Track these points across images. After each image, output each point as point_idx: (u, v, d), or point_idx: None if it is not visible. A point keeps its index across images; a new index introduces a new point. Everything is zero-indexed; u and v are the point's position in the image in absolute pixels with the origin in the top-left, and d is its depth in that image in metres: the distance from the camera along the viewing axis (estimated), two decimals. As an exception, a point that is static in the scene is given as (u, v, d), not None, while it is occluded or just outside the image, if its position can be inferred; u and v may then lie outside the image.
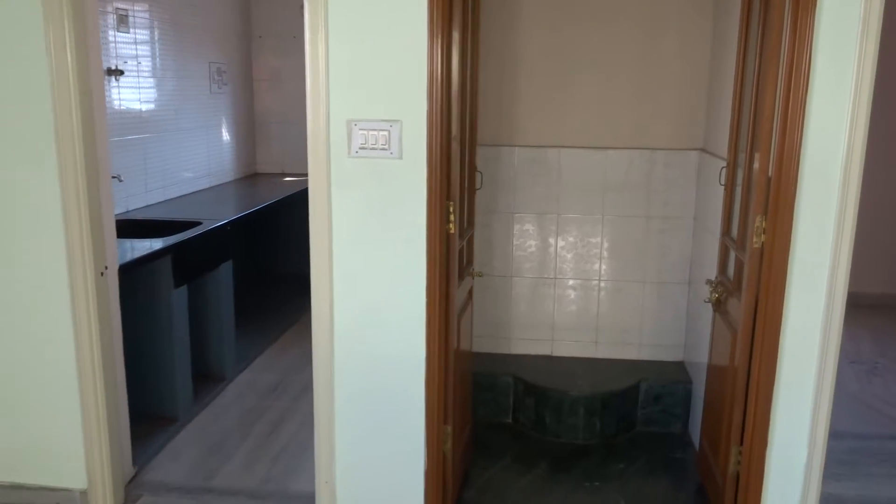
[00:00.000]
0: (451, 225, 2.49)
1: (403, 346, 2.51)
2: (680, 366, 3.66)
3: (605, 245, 3.65)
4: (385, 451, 2.60)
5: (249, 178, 5.74)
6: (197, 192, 4.89)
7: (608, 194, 3.59)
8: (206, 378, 3.85)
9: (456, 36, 2.38)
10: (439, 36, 2.29)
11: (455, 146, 2.46)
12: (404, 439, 2.58)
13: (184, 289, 3.42)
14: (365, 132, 2.36)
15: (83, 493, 2.74)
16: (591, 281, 3.70)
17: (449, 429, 2.65)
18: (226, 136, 5.39)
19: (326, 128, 2.38)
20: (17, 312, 2.63)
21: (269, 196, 4.82)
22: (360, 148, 2.38)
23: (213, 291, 3.80)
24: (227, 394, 3.88)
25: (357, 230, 2.45)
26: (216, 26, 5.18)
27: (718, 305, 2.84)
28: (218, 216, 3.95)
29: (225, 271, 3.87)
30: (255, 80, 5.86)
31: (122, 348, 2.83)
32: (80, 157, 2.50)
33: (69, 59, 2.43)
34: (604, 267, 3.68)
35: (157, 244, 3.25)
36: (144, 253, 3.11)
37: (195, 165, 4.91)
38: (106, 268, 2.66)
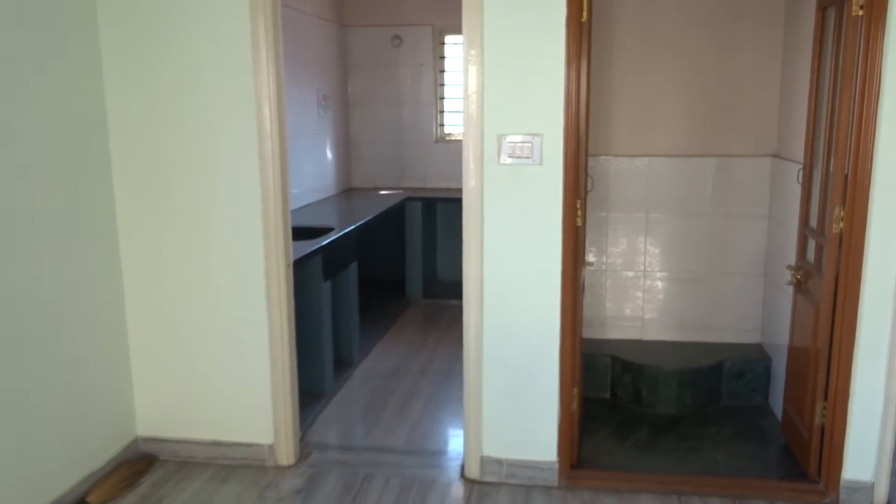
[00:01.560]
0: (579, 219, 3.03)
1: (541, 320, 3.04)
2: (758, 347, 4.14)
3: (689, 241, 4.16)
4: (523, 409, 3.13)
5: (346, 192, 6.36)
6: (308, 204, 5.51)
7: (691, 196, 4.11)
8: (337, 363, 4.42)
9: (584, 64, 2.94)
10: (574, 64, 2.85)
11: (582, 154, 3.01)
12: (540, 399, 3.11)
13: (329, 283, 4.01)
14: (512, 144, 2.92)
15: (270, 447, 3.32)
16: (675, 273, 4.20)
17: (575, 391, 3.18)
18: (328, 154, 6.02)
19: (480, 141, 2.94)
20: (222, 296, 3.23)
21: (376, 207, 5.41)
22: (509, 157, 2.94)
23: (343, 287, 4.38)
24: (356, 376, 4.45)
25: (504, 224, 3.00)
26: (322, 57, 5.82)
27: (799, 286, 3.33)
28: (338, 224, 4.54)
29: (352, 270, 4.46)
30: (350, 104, 6.49)
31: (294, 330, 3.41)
32: (276, 168, 3.10)
33: (270, 82, 3.05)
34: (687, 260, 4.19)
35: (311, 245, 3.84)
36: (308, 251, 3.70)
37: (306, 181, 5.53)
38: (290, 262, 3.26)
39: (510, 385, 3.12)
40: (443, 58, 6.39)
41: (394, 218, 5.86)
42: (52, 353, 2.84)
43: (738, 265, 4.15)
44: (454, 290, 6.31)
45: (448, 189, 6.48)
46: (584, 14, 2.88)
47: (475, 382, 3.14)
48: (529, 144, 2.92)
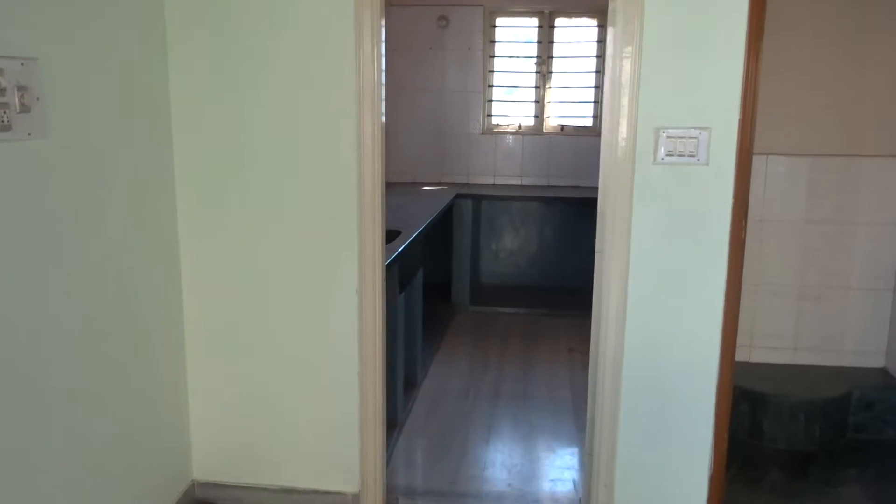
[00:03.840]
0: (744, 229, 2.53)
1: (696, 350, 2.53)
2: (882, 371, 3.67)
3: (806, 251, 3.67)
4: (668, 452, 2.61)
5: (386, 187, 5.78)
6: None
7: (815, 200, 3.62)
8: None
9: (762, 45, 2.43)
10: (754, 44, 2.34)
11: (752, 153, 2.50)
12: (690, 441, 2.59)
13: (403, 295, 3.47)
14: (673, 140, 2.40)
15: (355, 496, 2.78)
16: (792, 287, 3.72)
17: (726, 434, 2.68)
18: (369, 146, 5.45)
19: (633, 136, 2.42)
20: (303, 312, 2.68)
21: (429, 205, 4.87)
22: (667, 154, 2.41)
23: (409, 299, 3.84)
24: (422, 399, 3.92)
25: (657, 232, 2.47)
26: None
27: (976, 310, 2.86)
28: (401, 225, 4.00)
29: (419, 279, 3.92)
30: (388, 90, 5.91)
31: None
32: (378, 164, 2.59)
33: (374, 77, 2.56)
34: (806, 273, 3.70)
35: (388, 251, 3.29)
36: (388, 259, 3.15)
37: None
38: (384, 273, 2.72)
39: (653, 424, 2.60)
40: (493, 42, 5.84)
41: (440, 217, 5.33)
42: (105, 383, 2.27)
43: (863, 279, 3.67)
44: (502, 296, 5.83)
45: (495, 185, 5.96)
46: (766, -18, 2.37)
47: (609, 419, 2.62)
48: (695, 140, 2.40)
